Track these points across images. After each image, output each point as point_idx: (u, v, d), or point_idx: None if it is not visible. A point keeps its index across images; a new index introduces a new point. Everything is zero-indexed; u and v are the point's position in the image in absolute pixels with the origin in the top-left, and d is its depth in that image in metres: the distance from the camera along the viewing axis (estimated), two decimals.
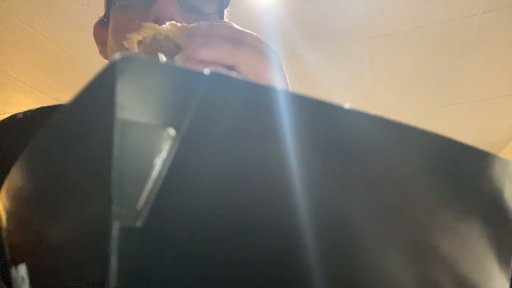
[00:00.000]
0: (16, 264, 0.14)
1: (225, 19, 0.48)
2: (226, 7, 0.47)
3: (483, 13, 1.62)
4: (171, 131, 0.09)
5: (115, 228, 0.09)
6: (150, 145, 0.09)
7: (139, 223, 0.09)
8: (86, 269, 0.10)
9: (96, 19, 0.51)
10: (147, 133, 0.09)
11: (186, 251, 0.09)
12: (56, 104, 0.47)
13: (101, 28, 0.48)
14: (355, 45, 1.84)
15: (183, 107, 0.09)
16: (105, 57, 0.48)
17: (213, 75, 0.10)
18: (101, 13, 0.48)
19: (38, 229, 0.12)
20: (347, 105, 0.12)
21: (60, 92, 2.21)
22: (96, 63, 1.93)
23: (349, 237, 0.12)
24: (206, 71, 0.10)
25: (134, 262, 0.09)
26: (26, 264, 0.13)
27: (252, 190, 0.10)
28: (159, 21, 0.38)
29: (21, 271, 0.14)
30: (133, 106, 0.09)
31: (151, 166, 0.09)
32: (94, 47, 0.50)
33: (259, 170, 0.10)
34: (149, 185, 0.09)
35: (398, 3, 1.58)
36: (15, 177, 0.15)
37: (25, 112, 0.45)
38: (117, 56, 0.09)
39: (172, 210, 0.09)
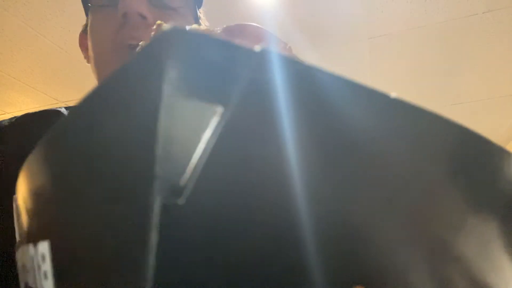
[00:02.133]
0: (35, 241, 0.14)
1: (202, 20, 0.49)
2: (199, 7, 0.47)
3: (483, 13, 1.62)
4: (219, 108, 0.09)
5: (157, 204, 0.08)
6: (197, 121, 0.09)
7: (181, 201, 0.09)
8: (121, 246, 0.09)
9: None
10: (194, 109, 0.09)
11: (223, 233, 0.09)
12: (42, 110, 0.47)
13: (84, 35, 0.48)
14: (355, 45, 1.84)
15: (232, 84, 0.09)
16: (89, 62, 0.48)
17: (264, 52, 0.10)
18: None
19: (67, 207, 0.12)
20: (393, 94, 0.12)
21: (60, 92, 2.21)
22: None
23: (356, 236, 0.12)
24: (257, 47, 0.10)
25: (174, 240, 0.08)
26: (50, 241, 0.13)
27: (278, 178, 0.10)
28: (127, 16, 0.38)
29: (42, 248, 0.13)
30: (181, 79, 0.09)
31: (196, 142, 0.09)
32: None
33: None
34: (193, 162, 0.09)
35: (398, 3, 1.58)
36: (43, 155, 0.14)
37: (10, 119, 0.46)
38: (166, 27, 0.09)
39: (214, 190, 0.09)
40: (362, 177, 0.12)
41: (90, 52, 0.43)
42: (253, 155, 0.10)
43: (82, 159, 0.12)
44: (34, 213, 0.15)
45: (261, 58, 0.10)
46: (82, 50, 0.49)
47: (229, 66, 0.09)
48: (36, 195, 0.15)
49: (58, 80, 2.10)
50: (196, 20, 0.46)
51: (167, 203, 0.08)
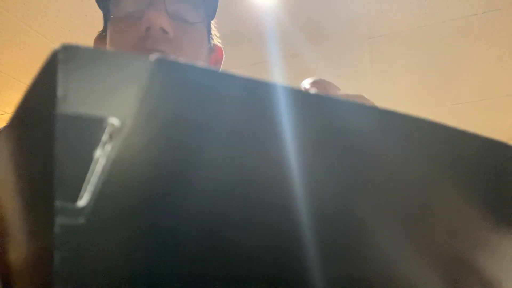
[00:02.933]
0: None
1: (213, 31, 0.52)
2: (212, 18, 0.51)
3: (483, 13, 1.62)
4: (115, 121, 0.09)
5: (57, 225, 0.08)
6: (92, 137, 0.09)
7: (81, 220, 0.09)
8: (34, 270, 0.09)
9: (95, 19, 0.53)
10: (89, 125, 0.09)
11: (130, 247, 0.09)
12: None
13: (100, 42, 0.51)
14: (355, 45, 1.84)
15: (129, 96, 0.09)
16: None
17: (159, 60, 0.09)
18: (101, 13, 0.49)
19: None
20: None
21: None
22: None
23: (354, 234, 0.12)
24: (151, 56, 0.09)
25: (77, 260, 0.09)
26: None
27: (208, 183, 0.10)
28: (150, 30, 0.41)
29: None
30: (76, 97, 0.09)
31: (92, 159, 0.09)
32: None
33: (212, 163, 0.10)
34: (92, 180, 0.09)
35: (398, 3, 1.58)
36: None
37: None
38: (58, 46, 0.09)
39: (116, 206, 0.09)
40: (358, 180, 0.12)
41: None
42: (154, 168, 0.09)
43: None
44: None
45: (157, 67, 0.09)
46: None
47: (123, 78, 0.09)
48: None
49: None
50: (209, 32, 0.50)
51: (66, 223, 0.08)
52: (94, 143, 0.09)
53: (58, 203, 0.08)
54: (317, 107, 0.11)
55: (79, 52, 0.09)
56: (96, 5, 0.49)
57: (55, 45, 1.49)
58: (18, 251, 0.11)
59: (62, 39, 1.75)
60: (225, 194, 0.10)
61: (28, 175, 0.10)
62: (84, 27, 1.67)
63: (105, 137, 0.09)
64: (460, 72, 2.03)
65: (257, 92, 0.10)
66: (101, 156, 0.09)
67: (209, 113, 0.10)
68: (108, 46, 0.46)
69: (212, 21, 0.51)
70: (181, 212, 0.10)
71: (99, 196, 0.09)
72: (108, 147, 0.09)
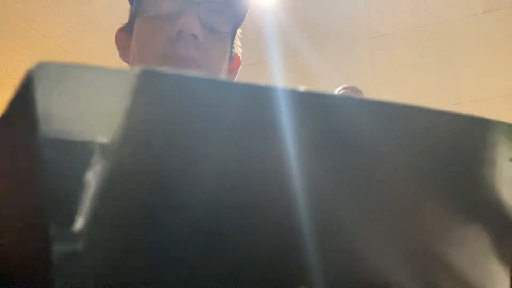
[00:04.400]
0: None
1: (236, 40, 0.54)
2: (238, 27, 0.53)
3: (483, 13, 1.62)
4: (102, 140, 0.08)
5: (55, 254, 0.08)
6: (80, 157, 0.08)
7: (78, 245, 0.08)
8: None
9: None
10: (75, 145, 0.08)
11: (128, 264, 0.09)
12: None
13: (123, 34, 0.52)
14: (355, 45, 1.84)
15: (115, 112, 0.08)
16: (126, 61, 0.52)
17: (143, 72, 0.09)
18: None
19: None
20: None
21: None
22: (96, 63, 1.92)
23: (346, 233, 0.12)
24: (136, 69, 0.09)
25: (77, 282, 0.08)
26: None
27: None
28: (181, 33, 0.43)
29: None
30: (56, 115, 0.08)
31: (82, 181, 0.08)
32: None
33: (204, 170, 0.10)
34: (84, 203, 0.08)
35: (398, 3, 1.58)
36: None
37: None
38: (33, 64, 0.08)
39: (112, 225, 0.09)
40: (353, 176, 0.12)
41: (134, 56, 0.48)
42: (147, 182, 0.09)
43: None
44: None
45: (140, 79, 0.09)
46: (118, 47, 0.53)
47: (106, 93, 0.08)
48: None
49: None
50: (233, 41, 0.52)
51: (64, 250, 0.08)
52: (83, 163, 0.08)
53: (52, 230, 0.08)
54: (309, 104, 0.11)
55: (57, 69, 0.08)
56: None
57: (55, 45, 1.49)
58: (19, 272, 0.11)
59: (62, 39, 1.75)
60: (222, 198, 0.10)
61: (19, 201, 0.10)
62: (84, 27, 1.67)
63: (94, 156, 0.08)
64: (460, 72, 2.03)
65: (250, 96, 0.10)
66: (92, 176, 0.08)
67: (201, 120, 0.09)
68: (133, 42, 0.48)
69: (238, 30, 0.54)
70: (179, 224, 0.09)
71: (93, 217, 0.08)
72: (98, 166, 0.08)
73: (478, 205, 0.15)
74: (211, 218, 0.10)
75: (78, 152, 0.08)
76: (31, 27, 1.69)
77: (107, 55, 1.89)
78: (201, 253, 0.10)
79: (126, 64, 0.51)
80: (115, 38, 0.54)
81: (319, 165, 0.11)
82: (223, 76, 0.50)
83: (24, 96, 0.09)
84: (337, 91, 0.33)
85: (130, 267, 0.09)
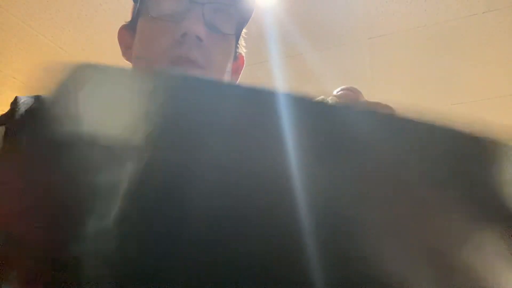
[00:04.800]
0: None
1: (241, 40, 0.54)
2: (243, 27, 0.52)
3: (483, 13, 1.62)
4: (137, 139, 0.09)
5: (92, 232, 0.09)
6: (117, 154, 0.09)
7: (114, 228, 0.09)
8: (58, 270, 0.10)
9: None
10: (113, 143, 0.09)
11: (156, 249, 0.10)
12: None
13: (126, 33, 0.52)
14: (355, 45, 1.84)
15: (145, 113, 0.09)
16: (128, 59, 0.52)
17: (178, 76, 0.10)
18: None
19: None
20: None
21: None
22: (96, 63, 1.92)
23: (351, 235, 0.12)
24: (168, 70, 0.09)
25: (104, 260, 0.09)
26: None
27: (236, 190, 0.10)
28: (186, 36, 0.43)
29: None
30: (97, 115, 0.09)
31: (119, 177, 0.09)
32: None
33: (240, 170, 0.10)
34: (120, 193, 0.09)
35: (398, 3, 1.58)
36: None
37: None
38: (73, 66, 0.09)
39: (144, 215, 0.09)
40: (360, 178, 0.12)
41: (138, 56, 0.47)
42: (174, 191, 0.10)
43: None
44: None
45: (174, 81, 0.09)
46: (120, 46, 0.53)
47: (140, 94, 0.09)
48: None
49: None
50: (237, 42, 0.52)
51: (102, 230, 0.09)
52: (116, 159, 0.09)
53: (88, 212, 0.09)
54: (312, 112, 0.11)
55: (95, 69, 0.09)
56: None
57: (55, 45, 1.49)
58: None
59: (62, 39, 1.75)
60: (229, 193, 0.10)
61: (51, 191, 0.10)
62: (84, 27, 1.67)
63: (126, 153, 0.09)
64: (460, 72, 2.03)
65: (255, 99, 0.11)
66: (124, 171, 0.09)
67: (212, 120, 0.10)
68: (136, 41, 0.47)
69: (243, 30, 0.53)
70: (191, 214, 0.10)
71: (124, 206, 0.09)
72: (129, 163, 0.09)
73: (492, 208, 0.15)
74: (215, 214, 0.10)
75: (113, 149, 0.09)
76: (31, 27, 1.69)
77: (107, 55, 1.89)
78: (204, 251, 0.10)
79: (128, 62, 0.51)
80: (118, 35, 0.53)
81: (321, 169, 0.11)
82: (227, 76, 0.50)
83: (66, 95, 0.09)
84: (335, 92, 0.34)
85: (157, 264, 0.10)
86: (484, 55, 1.89)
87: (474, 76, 2.06)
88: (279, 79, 2.02)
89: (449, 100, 2.30)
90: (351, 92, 0.32)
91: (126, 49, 0.52)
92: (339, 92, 0.33)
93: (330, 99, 0.34)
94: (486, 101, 2.31)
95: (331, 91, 2.30)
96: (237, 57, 0.55)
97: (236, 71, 0.56)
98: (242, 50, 0.56)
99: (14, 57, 1.90)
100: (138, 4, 0.48)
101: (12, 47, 1.83)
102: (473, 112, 2.43)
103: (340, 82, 2.22)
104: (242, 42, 0.55)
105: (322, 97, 0.35)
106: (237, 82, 0.58)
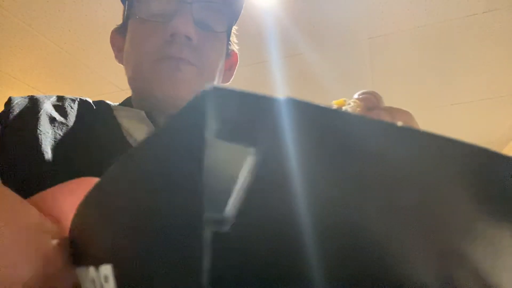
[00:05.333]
0: (97, 264, 0.16)
1: (232, 37, 0.54)
2: (234, 24, 0.52)
3: (483, 13, 1.62)
4: (251, 150, 0.11)
5: (207, 232, 0.10)
6: (234, 162, 0.11)
7: (226, 229, 0.10)
8: (176, 270, 0.11)
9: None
10: (231, 152, 0.11)
11: (265, 253, 0.11)
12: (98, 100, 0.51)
13: (118, 36, 0.51)
14: (355, 45, 1.85)
15: (259, 130, 0.11)
16: (120, 62, 0.51)
17: (286, 100, 0.11)
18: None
19: (128, 238, 0.14)
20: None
21: (60, 92, 2.21)
22: (96, 63, 1.93)
23: (360, 240, 0.12)
24: (279, 97, 0.11)
25: (223, 262, 0.10)
26: (112, 265, 0.15)
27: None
28: (175, 36, 0.42)
29: (105, 270, 0.16)
30: (219, 129, 0.11)
31: (235, 181, 0.11)
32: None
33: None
34: (234, 197, 0.11)
35: (398, 3, 1.58)
36: (101, 193, 0.16)
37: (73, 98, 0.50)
38: (207, 86, 0.11)
39: (255, 217, 0.11)
40: (368, 182, 0.12)
41: (128, 58, 0.47)
42: (282, 188, 0.11)
43: (136, 200, 0.14)
44: (94, 240, 0.18)
45: (282, 106, 0.11)
46: (113, 49, 0.53)
47: (255, 113, 0.11)
48: (96, 227, 0.17)
49: (58, 80, 2.10)
50: (229, 39, 0.51)
51: (215, 231, 0.10)
52: (236, 166, 0.11)
53: (207, 215, 0.10)
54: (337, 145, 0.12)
55: (222, 91, 0.11)
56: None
57: (55, 45, 1.49)
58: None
59: (62, 39, 1.74)
60: (262, 221, 0.11)
61: (173, 194, 0.12)
62: (84, 27, 1.66)
63: (243, 162, 0.11)
64: (460, 72, 2.03)
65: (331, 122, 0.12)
66: (240, 178, 0.11)
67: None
68: (127, 44, 0.47)
69: (234, 27, 0.53)
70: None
71: (240, 209, 0.11)
72: (246, 171, 0.11)
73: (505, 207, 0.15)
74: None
75: (232, 157, 0.11)
76: (31, 27, 1.69)
77: (107, 55, 1.89)
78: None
79: (121, 65, 0.50)
80: (110, 39, 0.53)
81: (327, 174, 0.11)
82: (219, 74, 0.49)
83: (196, 110, 0.11)
84: (356, 95, 0.33)
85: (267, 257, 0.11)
86: (484, 55, 1.89)
87: (474, 76, 2.06)
88: (279, 79, 2.02)
89: (449, 100, 2.30)
90: (373, 96, 0.32)
91: (119, 52, 0.51)
92: (361, 96, 0.33)
93: (352, 102, 0.34)
94: (486, 101, 2.31)
95: (331, 91, 2.29)
96: (230, 54, 0.54)
97: (229, 68, 0.56)
98: (235, 47, 0.55)
99: (14, 57, 1.90)
100: (126, 6, 0.47)
101: (12, 47, 1.83)
102: (473, 112, 2.43)
103: (340, 82, 2.22)
104: (233, 39, 0.54)
105: (344, 99, 0.35)
106: (231, 79, 0.58)
